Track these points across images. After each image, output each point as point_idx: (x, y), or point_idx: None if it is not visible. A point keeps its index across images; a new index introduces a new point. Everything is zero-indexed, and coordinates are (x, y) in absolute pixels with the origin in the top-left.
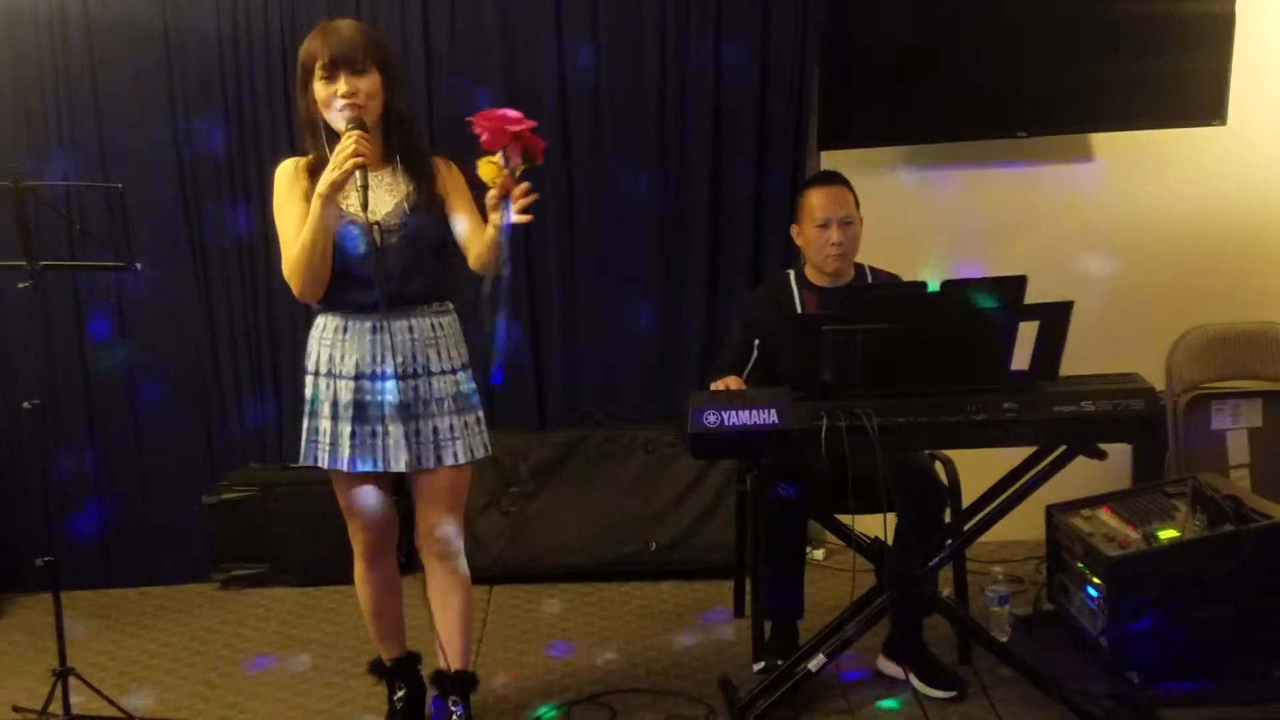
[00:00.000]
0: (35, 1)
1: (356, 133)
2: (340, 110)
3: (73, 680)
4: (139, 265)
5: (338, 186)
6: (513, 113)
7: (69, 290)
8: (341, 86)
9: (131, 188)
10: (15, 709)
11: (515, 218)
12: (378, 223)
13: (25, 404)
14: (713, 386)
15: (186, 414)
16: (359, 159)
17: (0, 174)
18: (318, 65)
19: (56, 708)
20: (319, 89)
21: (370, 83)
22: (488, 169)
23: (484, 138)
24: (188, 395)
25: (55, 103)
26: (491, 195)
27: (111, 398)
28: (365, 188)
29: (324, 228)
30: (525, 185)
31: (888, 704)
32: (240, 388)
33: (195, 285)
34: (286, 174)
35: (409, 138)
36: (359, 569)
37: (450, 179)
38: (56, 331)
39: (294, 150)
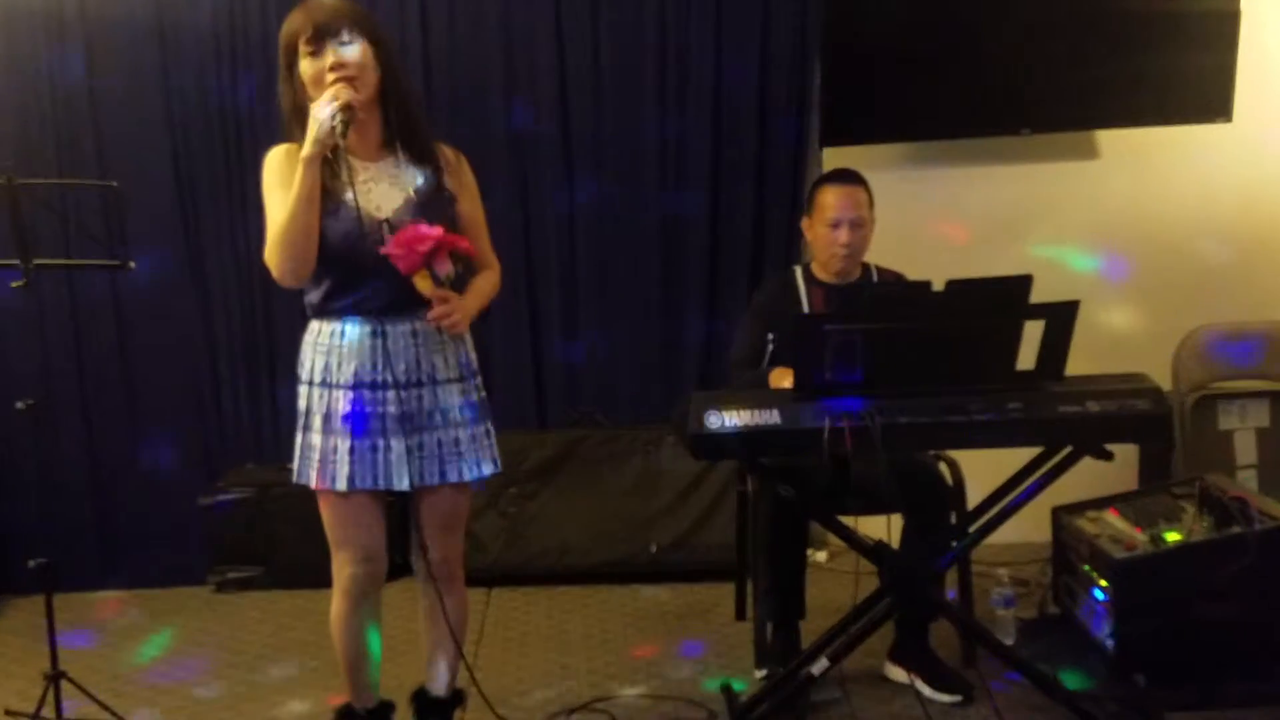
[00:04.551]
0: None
1: (341, 83)
2: (330, 84)
3: (65, 684)
4: (133, 264)
5: (323, 144)
6: (423, 229)
7: (64, 289)
8: (329, 59)
9: (127, 186)
10: (7, 713)
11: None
12: (386, 220)
13: (19, 404)
14: (771, 381)
15: (182, 415)
16: (342, 99)
17: None
18: (301, 41)
19: (49, 712)
20: (305, 66)
21: (359, 53)
22: (424, 283)
23: (400, 266)
24: (184, 396)
25: (51, 100)
26: (432, 316)
27: (106, 398)
28: (343, 138)
29: (308, 197)
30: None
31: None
32: (237, 388)
33: (192, 285)
34: (277, 159)
35: (409, 118)
36: (340, 608)
37: (460, 177)
38: (51, 331)
39: None
